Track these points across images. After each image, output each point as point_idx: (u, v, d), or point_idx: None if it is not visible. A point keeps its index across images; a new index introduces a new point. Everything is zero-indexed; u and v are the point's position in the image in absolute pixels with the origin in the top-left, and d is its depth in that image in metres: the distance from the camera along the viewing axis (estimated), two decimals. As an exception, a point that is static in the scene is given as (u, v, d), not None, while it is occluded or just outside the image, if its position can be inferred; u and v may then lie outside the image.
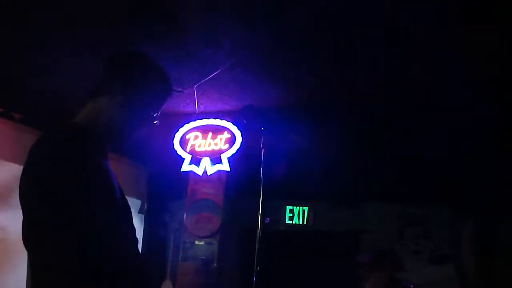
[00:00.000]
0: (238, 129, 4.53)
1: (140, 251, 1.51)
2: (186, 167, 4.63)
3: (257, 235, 2.31)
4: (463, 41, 3.06)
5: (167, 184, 5.53)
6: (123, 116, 1.59)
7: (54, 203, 1.29)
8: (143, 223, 5.72)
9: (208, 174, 4.59)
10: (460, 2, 2.70)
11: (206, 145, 4.60)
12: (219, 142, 4.56)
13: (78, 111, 1.59)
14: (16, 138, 4.50)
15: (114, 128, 1.58)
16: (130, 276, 1.35)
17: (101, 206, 1.33)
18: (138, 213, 5.70)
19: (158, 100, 1.70)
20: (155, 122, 1.71)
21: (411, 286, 3.65)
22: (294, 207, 5.91)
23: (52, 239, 1.28)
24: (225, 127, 4.58)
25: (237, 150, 4.50)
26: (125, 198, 1.50)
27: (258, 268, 2.28)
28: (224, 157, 4.54)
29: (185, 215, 4.94)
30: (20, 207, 1.41)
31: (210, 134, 4.60)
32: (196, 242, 4.84)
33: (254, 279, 2.29)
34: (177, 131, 4.56)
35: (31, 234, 1.35)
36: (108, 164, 1.48)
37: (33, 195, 1.36)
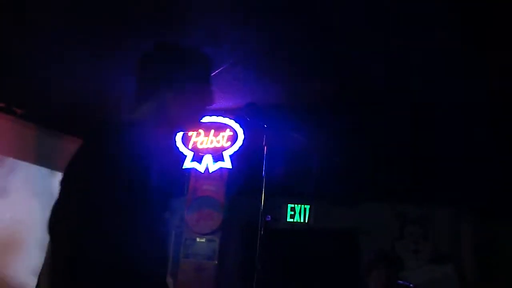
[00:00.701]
0: (241, 126, 4.54)
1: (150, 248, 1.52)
2: (188, 164, 4.64)
3: (258, 232, 2.31)
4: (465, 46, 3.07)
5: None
6: (170, 114, 1.59)
7: (79, 195, 1.32)
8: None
9: (210, 172, 4.60)
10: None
11: (208, 143, 4.61)
12: (221, 140, 4.58)
13: (136, 105, 1.60)
14: (17, 133, 4.51)
15: (161, 126, 1.58)
16: (133, 272, 1.37)
17: (122, 203, 1.35)
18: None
19: (205, 96, 1.65)
20: (202, 120, 1.69)
21: (411, 285, 3.65)
22: (296, 205, 5.91)
23: (68, 228, 1.30)
24: (228, 125, 4.59)
25: (239, 147, 4.52)
26: (150, 193, 1.51)
27: (259, 265, 2.28)
28: (226, 154, 4.55)
29: (186, 212, 4.94)
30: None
31: (212, 131, 4.61)
32: (197, 239, 4.85)
33: (255, 276, 2.29)
34: (179, 128, 4.57)
35: (54, 220, 1.37)
36: (152, 159, 1.49)
37: (66, 184, 1.39)
